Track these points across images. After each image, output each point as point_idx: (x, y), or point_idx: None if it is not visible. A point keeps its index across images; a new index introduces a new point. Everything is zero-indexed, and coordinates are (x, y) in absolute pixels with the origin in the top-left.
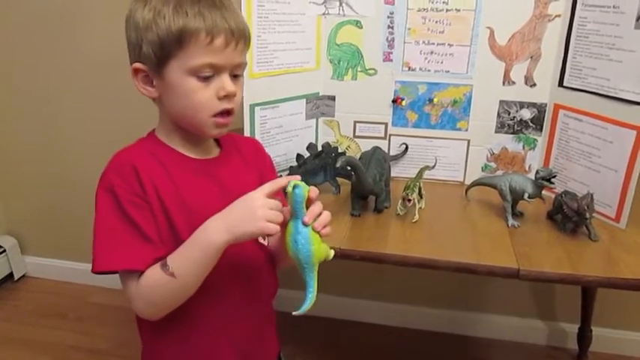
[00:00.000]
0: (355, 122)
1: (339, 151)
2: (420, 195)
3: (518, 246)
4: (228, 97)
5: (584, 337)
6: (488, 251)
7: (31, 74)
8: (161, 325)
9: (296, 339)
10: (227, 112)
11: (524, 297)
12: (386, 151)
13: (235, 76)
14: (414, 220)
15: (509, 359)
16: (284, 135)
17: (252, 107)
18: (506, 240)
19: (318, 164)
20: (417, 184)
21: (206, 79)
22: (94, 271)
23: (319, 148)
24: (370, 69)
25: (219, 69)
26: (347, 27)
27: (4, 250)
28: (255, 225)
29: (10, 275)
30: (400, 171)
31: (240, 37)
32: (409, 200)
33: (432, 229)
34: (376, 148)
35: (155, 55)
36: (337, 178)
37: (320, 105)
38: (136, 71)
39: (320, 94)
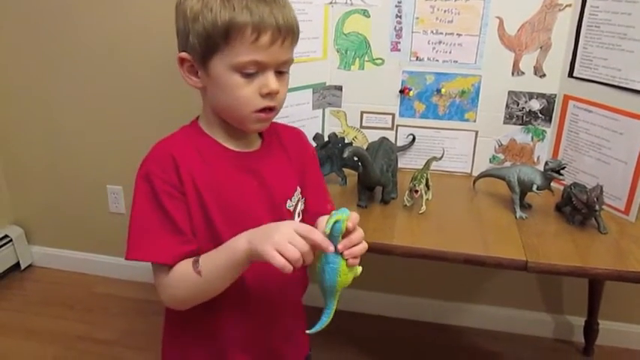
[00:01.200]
0: (362, 113)
1: (346, 141)
2: (427, 186)
3: (526, 238)
4: (271, 94)
5: (590, 330)
6: (496, 243)
7: (38, 66)
8: (187, 315)
9: None
10: (269, 109)
11: (531, 290)
12: (393, 142)
13: (280, 73)
14: (421, 212)
15: (516, 352)
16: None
17: None
18: (515, 232)
19: (325, 155)
20: (425, 175)
21: (250, 76)
22: (127, 259)
23: (325, 139)
24: (377, 59)
25: (264, 66)
26: (354, 16)
27: (11, 240)
28: (263, 245)
29: (17, 265)
30: (407, 162)
31: (288, 33)
32: (416, 191)
33: (439, 221)
34: (383, 139)
35: (200, 47)
36: (344, 169)
37: (327, 95)
38: (181, 60)
39: (327, 84)
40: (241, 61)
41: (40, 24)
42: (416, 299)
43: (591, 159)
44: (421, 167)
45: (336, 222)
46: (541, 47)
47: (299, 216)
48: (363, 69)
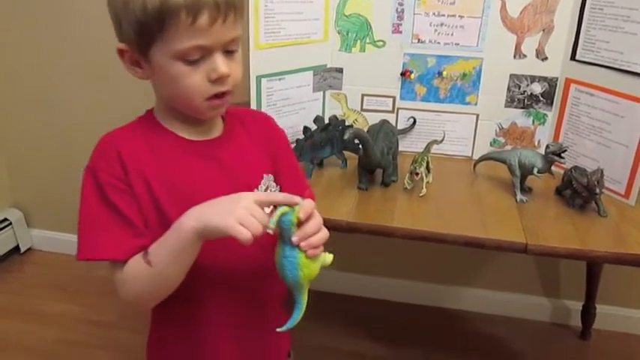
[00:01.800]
0: (363, 95)
1: (346, 124)
2: (428, 169)
3: (526, 221)
4: (222, 79)
5: (588, 314)
6: (496, 226)
7: (39, 52)
8: (168, 312)
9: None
10: (222, 94)
11: (529, 274)
12: (394, 125)
13: (230, 52)
14: (421, 195)
15: (513, 335)
16: (290, 107)
17: (258, 79)
18: (515, 215)
19: (325, 137)
20: (425, 158)
21: (194, 62)
22: (78, 259)
23: (326, 121)
24: (379, 41)
25: (208, 50)
26: None
27: (10, 223)
28: (225, 220)
29: (17, 248)
30: (408, 145)
31: (229, 9)
32: (417, 174)
33: (439, 204)
34: (384, 122)
35: (136, 36)
36: (344, 152)
37: (327, 77)
38: (121, 52)
39: (327, 66)
40: (181, 47)
41: (42, 12)
42: (413, 282)
43: (592, 142)
44: (422, 150)
45: (283, 214)
46: (543, 30)
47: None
48: (364, 51)
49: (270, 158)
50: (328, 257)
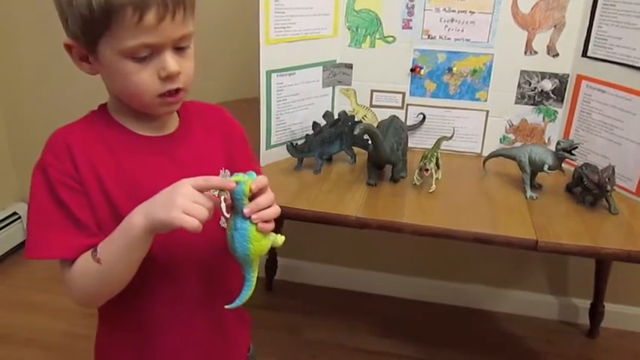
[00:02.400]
0: (372, 91)
1: (356, 120)
2: (437, 165)
3: (536, 218)
4: (172, 77)
5: (596, 312)
6: (506, 222)
7: (49, 46)
8: (115, 313)
9: (305, 310)
10: (175, 91)
11: (537, 271)
12: (403, 121)
13: (181, 49)
14: (430, 191)
15: (521, 333)
16: (300, 103)
17: (268, 74)
18: (525, 211)
19: (335, 133)
20: (435, 154)
21: (143, 60)
22: (26, 257)
23: (335, 117)
24: (389, 36)
25: (157, 47)
26: None
27: (19, 217)
28: (168, 214)
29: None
30: (417, 141)
31: (177, 5)
32: (426, 170)
33: (448, 200)
34: (394, 117)
35: (82, 33)
36: (353, 148)
37: (337, 73)
38: (68, 47)
39: (337, 62)
40: (128, 46)
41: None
42: (419, 279)
43: (603, 140)
44: (431, 146)
45: (235, 183)
46: (555, 26)
47: (225, 201)
48: (373, 47)
49: (226, 152)
50: (280, 238)
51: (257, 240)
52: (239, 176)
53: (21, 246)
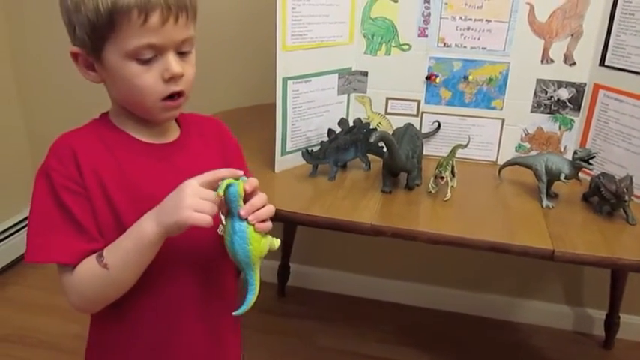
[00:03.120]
0: (387, 99)
1: (370, 127)
2: (453, 173)
3: (552, 227)
4: (175, 78)
5: (611, 323)
6: (521, 231)
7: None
8: (107, 314)
9: (318, 317)
10: (177, 94)
11: (551, 281)
12: (418, 128)
13: (183, 53)
14: (445, 199)
15: (535, 343)
16: (315, 110)
17: (284, 80)
18: (540, 221)
19: (350, 140)
20: (450, 162)
21: (147, 62)
22: (26, 261)
23: (351, 124)
24: (404, 44)
25: (161, 49)
26: (382, 1)
27: None
28: (180, 214)
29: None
30: (432, 149)
31: (180, 9)
32: (442, 178)
33: (464, 208)
34: (409, 125)
35: (89, 38)
36: (368, 155)
37: (352, 80)
38: (75, 56)
39: (352, 70)
40: (133, 46)
41: None
42: (432, 287)
43: (620, 149)
44: (445, 155)
45: (229, 186)
46: (572, 35)
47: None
48: (389, 54)
49: (223, 163)
50: (276, 241)
51: (256, 241)
52: (231, 180)
53: None
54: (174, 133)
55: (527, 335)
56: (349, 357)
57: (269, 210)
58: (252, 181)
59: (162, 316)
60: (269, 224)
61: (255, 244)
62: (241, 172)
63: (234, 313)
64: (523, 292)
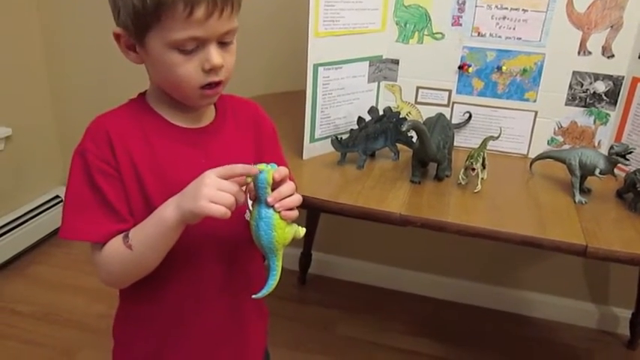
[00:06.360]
0: (418, 88)
1: (400, 116)
2: (484, 165)
3: (585, 223)
4: (215, 70)
5: (637, 323)
6: (553, 226)
7: (94, 34)
8: (134, 289)
9: (338, 306)
10: (216, 84)
11: (577, 278)
12: (448, 118)
13: (225, 43)
14: (475, 191)
15: (557, 340)
16: (345, 97)
17: (315, 67)
18: (573, 216)
19: (379, 129)
20: (481, 153)
21: (189, 52)
22: (60, 237)
23: (380, 113)
24: (437, 33)
25: (204, 41)
26: None
27: (61, 201)
28: (195, 204)
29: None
30: (462, 140)
31: (226, 3)
32: (473, 169)
33: (494, 201)
34: (440, 115)
35: (133, 24)
36: (397, 144)
37: (383, 68)
38: (117, 36)
39: (383, 57)
40: (177, 38)
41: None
42: (457, 280)
43: None
44: (475, 146)
45: (260, 172)
46: (611, 26)
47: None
48: (421, 43)
49: (256, 148)
50: (301, 230)
51: (281, 228)
52: (262, 166)
53: None
54: (209, 117)
55: (550, 332)
56: (368, 346)
57: (296, 199)
58: (282, 170)
59: (187, 294)
60: (295, 213)
61: (280, 231)
62: (256, 170)
63: (253, 296)
64: (547, 288)
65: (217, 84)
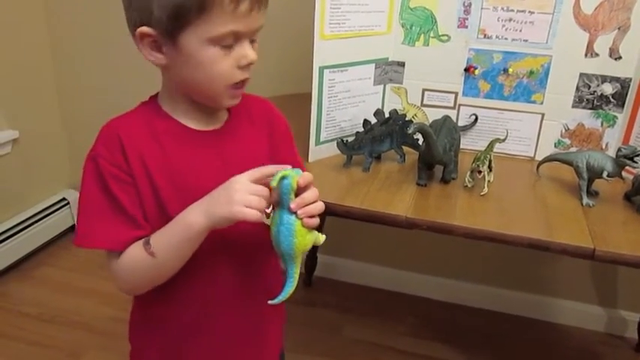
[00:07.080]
0: (424, 90)
1: (406, 119)
2: (490, 168)
3: (593, 226)
4: (249, 66)
5: None
6: (561, 229)
7: (102, 39)
8: (150, 293)
9: (345, 308)
10: (242, 82)
11: (585, 282)
12: (454, 121)
13: (252, 41)
14: (482, 193)
15: (565, 343)
16: (351, 100)
17: (321, 69)
18: (581, 219)
19: (385, 131)
20: (488, 156)
21: (228, 48)
22: (75, 245)
23: (386, 115)
24: (443, 35)
25: (241, 36)
26: None
27: (68, 203)
28: (229, 209)
29: (73, 227)
30: (468, 143)
31: None
32: (479, 172)
33: (501, 204)
34: (447, 117)
35: (169, 20)
36: (403, 147)
37: (389, 71)
38: (142, 36)
39: (389, 60)
40: (220, 32)
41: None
42: (462, 283)
43: None
44: (482, 148)
45: (283, 178)
46: (619, 28)
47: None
48: (427, 45)
49: (270, 146)
50: (321, 237)
51: (302, 235)
52: (287, 171)
53: (69, 230)
54: (222, 117)
55: (558, 335)
56: (374, 349)
57: (319, 206)
58: (307, 176)
59: (202, 297)
60: (316, 220)
61: (300, 238)
62: (287, 167)
63: (269, 302)
64: (555, 292)
65: (243, 82)
